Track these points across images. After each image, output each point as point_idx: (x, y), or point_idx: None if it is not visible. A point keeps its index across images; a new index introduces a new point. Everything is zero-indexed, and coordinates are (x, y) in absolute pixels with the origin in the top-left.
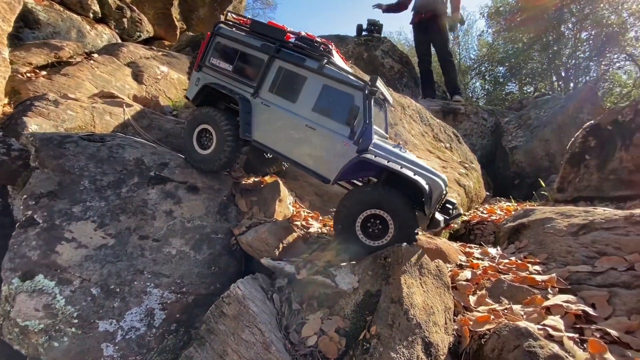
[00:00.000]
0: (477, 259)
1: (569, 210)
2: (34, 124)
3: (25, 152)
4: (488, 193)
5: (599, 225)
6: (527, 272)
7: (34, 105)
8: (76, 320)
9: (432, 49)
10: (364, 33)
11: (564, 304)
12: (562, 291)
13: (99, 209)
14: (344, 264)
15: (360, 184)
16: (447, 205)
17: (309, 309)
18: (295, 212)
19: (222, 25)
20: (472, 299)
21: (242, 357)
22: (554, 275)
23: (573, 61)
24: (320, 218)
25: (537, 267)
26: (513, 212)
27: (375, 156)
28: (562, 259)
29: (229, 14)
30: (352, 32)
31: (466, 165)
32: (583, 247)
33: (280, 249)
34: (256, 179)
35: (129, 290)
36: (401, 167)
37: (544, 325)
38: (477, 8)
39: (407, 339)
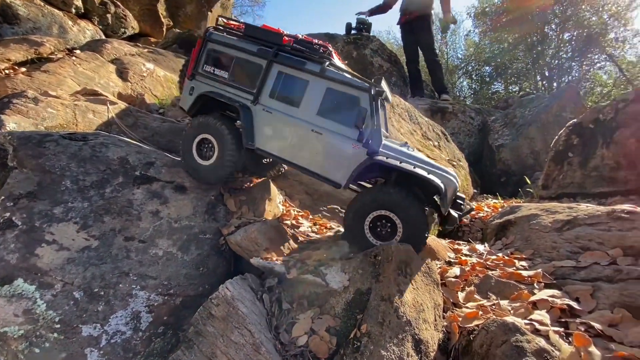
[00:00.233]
0: (466, 255)
1: (553, 207)
2: (12, 122)
3: (2, 151)
4: (475, 190)
5: (582, 221)
6: (514, 268)
7: (12, 102)
8: (58, 325)
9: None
10: (353, 32)
11: (550, 299)
12: (547, 286)
13: (82, 209)
14: (335, 262)
15: (368, 185)
16: (458, 200)
17: (300, 309)
18: (285, 211)
19: (213, 30)
20: (461, 296)
21: (232, 359)
22: (539, 270)
23: (556, 61)
24: (311, 217)
25: (524, 263)
26: (500, 209)
27: (386, 157)
28: (547, 255)
29: (220, 18)
30: (342, 31)
31: (454, 163)
32: (567, 242)
33: (270, 248)
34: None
35: (114, 293)
36: (414, 167)
37: (530, 320)
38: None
39: (397, 336)
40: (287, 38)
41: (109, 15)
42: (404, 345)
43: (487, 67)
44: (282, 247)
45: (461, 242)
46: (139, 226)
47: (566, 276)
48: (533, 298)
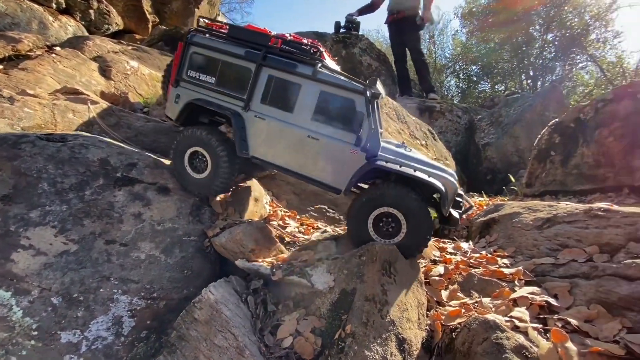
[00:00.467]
0: (450, 253)
1: (535, 205)
2: None
3: None
4: (462, 188)
5: (561, 219)
6: (497, 266)
7: None
8: (36, 333)
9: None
10: (341, 30)
11: (529, 296)
12: (527, 283)
13: (60, 213)
14: (321, 263)
15: (366, 186)
16: (457, 198)
17: (285, 310)
18: (271, 212)
19: (194, 33)
20: (445, 294)
21: None
22: (520, 268)
23: (540, 61)
24: (298, 217)
25: (506, 261)
26: (485, 207)
27: (386, 162)
28: (528, 252)
29: (201, 19)
30: (331, 28)
31: (441, 161)
32: (547, 240)
33: (256, 249)
34: None
35: (94, 299)
36: (415, 171)
37: (511, 317)
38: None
39: (381, 336)
40: (274, 38)
41: (91, 11)
42: (387, 345)
43: (474, 67)
44: (268, 249)
45: (447, 240)
46: (121, 229)
47: (546, 273)
48: (514, 295)
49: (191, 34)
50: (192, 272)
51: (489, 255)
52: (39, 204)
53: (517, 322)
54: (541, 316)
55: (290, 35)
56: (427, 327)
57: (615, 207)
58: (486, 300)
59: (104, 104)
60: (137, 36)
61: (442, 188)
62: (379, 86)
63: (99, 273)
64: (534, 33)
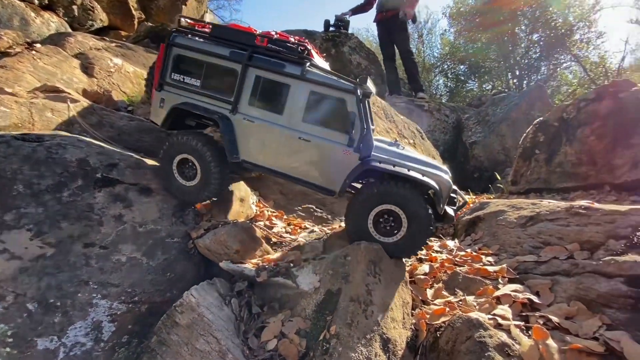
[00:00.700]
0: (436, 252)
1: (519, 203)
2: None
3: None
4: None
5: (544, 216)
6: (481, 264)
7: None
8: (11, 340)
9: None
10: (331, 29)
11: (512, 293)
12: (511, 281)
13: (36, 215)
14: (306, 263)
15: (358, 186)
16: (451, 194)
17: (270, 312)
18: (258, 212)
19: (176, 33)
20: (430, 292)
21: None
22: (504, 265)
23: (526, 61)
24: (285, 217)
25: (490, 259)
26: (471, 205)
27: (380, 162)
28: (512, 250)
29: (182, 18)
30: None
31: None
32: (530, 237)
33: (241, 250)
34: None
35: (72, 304)
36: (409, 170)
37: (494, 314)
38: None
39: (365, 337)
40: (260, 37)
41: (75, 7)
42: (371, 346)
43: (462, 66)
44: (253, 250)
45: (433, 237)
46: (100, 231)
47: (528, 271)
48: (497, 293)
49: (173, 35)
50: (175, 274)
51: (474, 253)
52: (13, 206)
53: (500, 320)
54: (523, 313)
55: (277, 34)
56: (412, 326)
57: (596, 205)
58: (470, 299)
59: (85, 103)
60: (123, 33)
61: (437, 187)
62: (370, 84)
63: (77, 277)
64: (520, 33)
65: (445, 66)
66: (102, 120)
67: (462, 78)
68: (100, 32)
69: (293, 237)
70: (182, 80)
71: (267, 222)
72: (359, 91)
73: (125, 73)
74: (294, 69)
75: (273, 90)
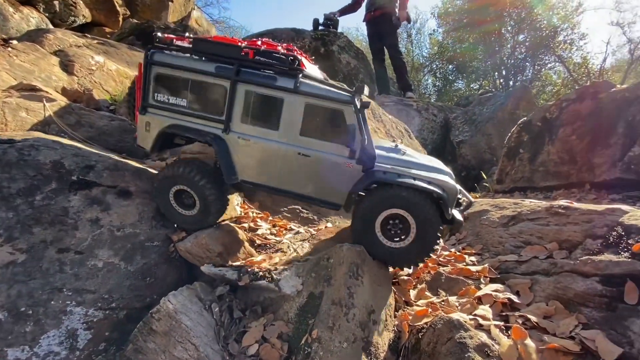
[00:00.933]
0: None
1: (502, 203)
2: None
3: None
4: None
5: (525, 216)
6: (464, 264)
7: None
8: None
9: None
10: (320, 28)
11: (493, 293)
12: (492, 280)
13: (6, 220)
14: (289, 266)
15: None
16: (457, 195)
17: (253, 316)
18: (242, 214)
19: (155, 51)
20: (413, 293)
21: None
22: (486, 265)
23: (512, 61)
24: (270, 218)
25: (473, 258)
26: None
27: (384, 172)
28: (494, 249)
29: (157, 34)
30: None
31: None
32: (512, 237)
33: (224, 253)
34: None
35: (45, 312)
36: (414, 180)
37: (475, 315)
38: (429, 8)
39: (347, 340)
40: (246, 49)
41: (56, 2)
42: (353, 349)
43: (450, 66)
44: (236, 252)
45: None
46: (76, 236)
47: (509, 270)
48: (479, 293)
49: (151, 52)
50: (155, 279)
51: (458, 253)
52: None
53: (480, 320)
54: (504, 313)
55: (262, 43)
56: (395, 328)
57: (575, 204)
58: (453, 299)
59: (63, 102)
60: (107, 30)
61: (444, 194)
62: (366, 92)
63: (49, 284)
64: (506, 34)
65: (434, 66)
66: (80, 120)
67: (450, 78)
68: (83, 29)
69: (278, 239)
70: (166, 100)
71: (252, 224)
72: (356, 102)
73: (108, 71)
74: (286, 82)
75: (266, 106)
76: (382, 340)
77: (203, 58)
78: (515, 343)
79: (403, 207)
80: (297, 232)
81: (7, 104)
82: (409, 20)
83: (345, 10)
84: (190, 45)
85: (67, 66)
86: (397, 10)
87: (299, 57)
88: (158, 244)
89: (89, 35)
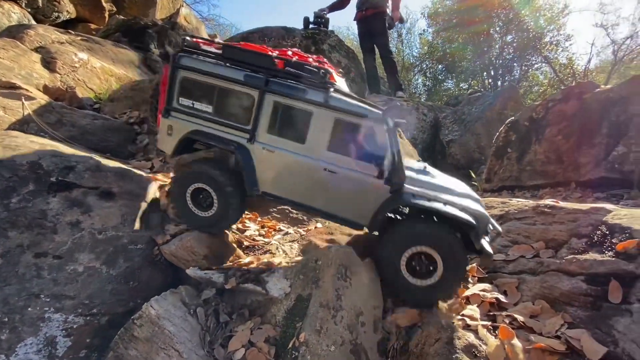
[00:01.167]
0: None
1: (490, 202)
2: None
3: None
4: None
5: (512, 215)
6: None
7: None
8: None
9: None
10: (311, 26)
11: (481, 293)
12: (480, 280)
13: None
14: (278, 268)
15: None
16: None
17: (240, 319)
18: None
19: (182, 54)
20: None
21: None
22: (474, 265)
23: (500, 61)
24: (259, 219)
25: None
26: None
27: (413, 195)
28: None
29: (187, 38)
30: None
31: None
32: (499, 236)
33: (210, 256)
34: None
35: (21, 319)
36: (445, 205)
37: (463, 315)
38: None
39: (334, 343)
40: (277, 60)
41: None
42: (341, 352)
43: (440, 65)
44: (224, 255)
45: None
46: (54, 240)
47: (497, 269)
48: (467, 293)
49: (178, 55)
50: (139, 282)
51: None
52: None
53: (468, 321)
54: (491, 313)
55: (293, 54)
56: (383, 330)
57: (560, 204)
58: None
59: (43, 100)
60: (92, 26)
61: (475, 224)
62: (398, 111)
63: (26, 290)
64: (495, 34)
65: (424, 65)
66: (62, 118)
67: (440, 77)
68: (67, 25)
69: (267, 240)
70: (191, 105)
71: (240, 225)
72: (389, 120)
73: (92, 68)
74: (316, 95)
75: (294, 118)
76: (371, 342)
77: (229, 64)
78: (503, 343)
79: (429, 244)
80: (287, 233)
81: None
82: (401, 20)
83: (334, 7)
84: (221, 53)
85: (49, 63)
86: (388, 9)
87: (330, 69)
88: (142, 246)
89: (73, 32)
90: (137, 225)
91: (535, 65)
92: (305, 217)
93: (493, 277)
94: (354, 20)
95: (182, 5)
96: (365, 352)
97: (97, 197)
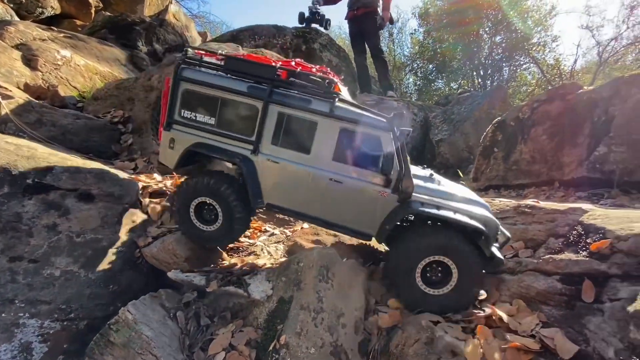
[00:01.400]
0: None
1: None
2: None
3: None
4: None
5: (495, 215)
6: None
7: None
8: None
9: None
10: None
11: None
12: None
13: None
14: (260, 270)
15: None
16: None
17: (222, 322)
18: None
19: (184, 66)
20: (384, 296)
21: None
22: None
23: (489, 61)
24: None
25: None
26: None
27: (422, 204)
28: None
29: (188, 49)
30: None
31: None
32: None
33: (192, 258)
34: (170, 179)
35: None
36: (454, 213)
37: (443, 315)
38: (410, 8)
39: (315, 345)
40: (280, 71)
41: None
42: (321, 354)
43: (431, 65)
44: (207, 257)
45: None
46: (30, 243)
47: None
48: None
49: (180, 67)
50: (119, 286)
51: None
52: None
53: (447, 322)
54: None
55: (297, 64)
56: (365, 331)
57: (540, 204)
58: None
59: (22, 99)
60: (78, 22)
61: (486, 230)
62: (405, 118)
63: (0, 296)
64: (484, 35)
65: (415, 65)
66: (42, 118)
67: (431, 77)
68: (52, 21)
69: (251, 241)
70: (194, 118)
71: None
72: (395, 129)
73: (75, 66)
74: (321, 105)
75: (298, 129)
76: (352, 343)
77: (230, 76)
78: (480, 342)
79: (443, 253)
80: (272, 234)
81: None
82: (392, 21)
83: (326, 1)
84: (224, 64)
85: (30, 61)
86: (379, 9)
87: (335, 79)
88: (123, 249)
89: (55, 29)
90: (117, 228)
91: (524, 66)
92: (291, 218)
93: None
94: (345, 19)
95: (171, 2)
96: (346, 353)
97: (76, 199)
